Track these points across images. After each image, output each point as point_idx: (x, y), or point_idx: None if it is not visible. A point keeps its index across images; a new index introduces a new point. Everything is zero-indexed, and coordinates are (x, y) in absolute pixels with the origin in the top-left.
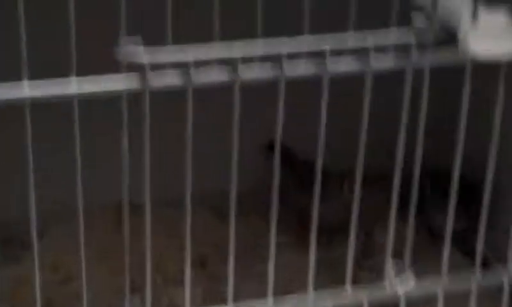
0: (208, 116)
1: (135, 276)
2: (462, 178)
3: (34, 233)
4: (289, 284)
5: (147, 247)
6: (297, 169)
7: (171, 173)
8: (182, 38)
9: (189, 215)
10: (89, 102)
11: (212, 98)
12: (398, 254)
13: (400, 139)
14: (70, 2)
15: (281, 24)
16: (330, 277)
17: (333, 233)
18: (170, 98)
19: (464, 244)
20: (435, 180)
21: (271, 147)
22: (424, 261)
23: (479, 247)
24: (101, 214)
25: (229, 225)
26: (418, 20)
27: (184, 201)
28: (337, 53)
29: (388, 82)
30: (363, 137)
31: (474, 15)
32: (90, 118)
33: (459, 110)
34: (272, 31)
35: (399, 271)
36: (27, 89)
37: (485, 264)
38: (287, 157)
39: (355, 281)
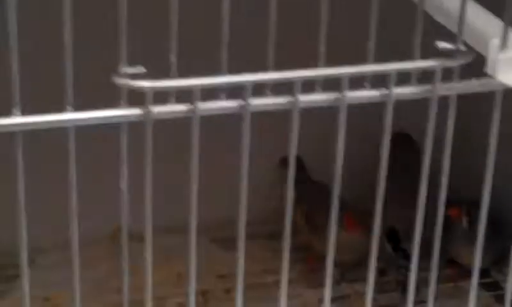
0: (214, 142)
1: None
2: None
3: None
4: None
5: (148, 281)
6: (308, 189)
7: (173, 201)
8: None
9: (194, 246)
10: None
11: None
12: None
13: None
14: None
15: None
16: None
17: (345, 269)
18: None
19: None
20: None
21: (283, 162)
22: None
23: (509, 288)
24: (96, 244)
25: (233, 256)
26: (444, 46)
27: (186, 229)
28: (357, 81)
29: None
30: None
31: (504, 40)
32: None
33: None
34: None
35: None
36: (20, 118)
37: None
38: (301, 170)
39: None
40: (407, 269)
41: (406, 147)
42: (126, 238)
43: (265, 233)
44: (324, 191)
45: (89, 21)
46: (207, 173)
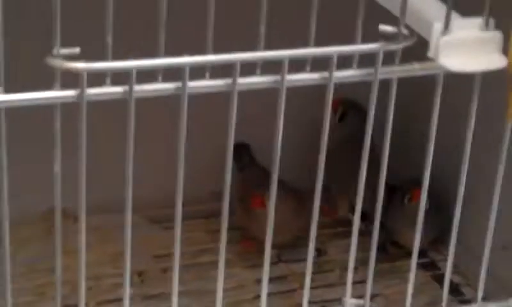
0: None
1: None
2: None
3: None
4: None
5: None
6: (251, 171)
7: (111, 181)
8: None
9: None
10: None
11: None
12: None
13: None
14: None
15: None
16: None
17: (282, 249)
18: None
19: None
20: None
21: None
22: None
23: (447, 273)
24: (28, 224)
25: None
26: (386, 30)
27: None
28: (298, 65)
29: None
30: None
31: (447, 24)
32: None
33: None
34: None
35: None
36: None
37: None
38: (245, 155)
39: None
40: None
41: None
42: (59, 220)
43: (202, 214)
44: (263, 174)
45: (24, 1)
46: (147, 153)
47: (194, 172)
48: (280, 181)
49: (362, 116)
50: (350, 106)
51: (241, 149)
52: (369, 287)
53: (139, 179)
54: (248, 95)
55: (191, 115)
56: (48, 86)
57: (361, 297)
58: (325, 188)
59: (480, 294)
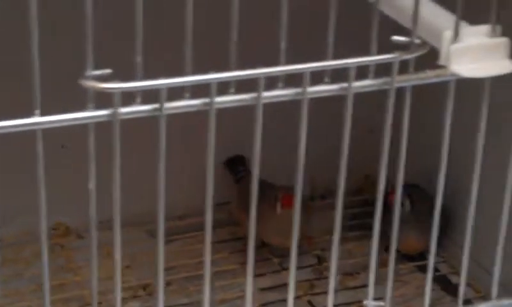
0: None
1: None
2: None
3: None
4: None
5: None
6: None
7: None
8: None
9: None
10: None
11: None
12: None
13: (382, 162)
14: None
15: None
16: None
17: (283, 257)
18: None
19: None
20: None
21: (226, 162)
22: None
23: (462, 281)
24: (34, 243)
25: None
26: (399, 40)
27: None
28: (317, 76)
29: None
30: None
31: (456, 32)
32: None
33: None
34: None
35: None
36: None
37: None
38: (242, 167)
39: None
40: None
41: None
42: (95, 236)
43: (203, 226)
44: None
45: (56, 25)
46: (148, 168)
47: (193, 185)
48: (290, 187)
49: None
50: None
51: (237, 162)
52: (389, 289)
53: (139, 194)
54: (242, 110)
55: (190, 131)
56: (70, 108)
57: (360, 302)
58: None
59: (494, 291)
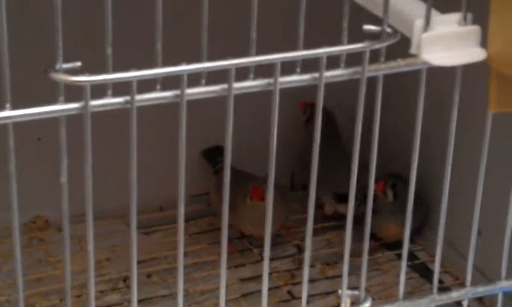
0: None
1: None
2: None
3: None
4: None
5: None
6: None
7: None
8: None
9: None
10: None
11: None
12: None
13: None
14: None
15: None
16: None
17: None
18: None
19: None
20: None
21: (204, 153)
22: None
23: (437, 267)
24: (10, 237)
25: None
26: (371, 30)
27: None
28: (289, 67)
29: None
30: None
31: (427, 21)
32: None
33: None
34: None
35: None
36: None
37: None
38: (220, 158)
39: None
40: None
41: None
42: (68, 230)
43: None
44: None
45: (25, 17)
46: (125, 160)
47: (173, 176)
48: (263, 178)
49: (328, 118)
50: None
51: (216, 152)
52: (363, 278)
53: (118, 186)
54: (221, 101)
55: (170, 121)
56: (42, 101)
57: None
58: (304, 187)
59: (469, 278)
